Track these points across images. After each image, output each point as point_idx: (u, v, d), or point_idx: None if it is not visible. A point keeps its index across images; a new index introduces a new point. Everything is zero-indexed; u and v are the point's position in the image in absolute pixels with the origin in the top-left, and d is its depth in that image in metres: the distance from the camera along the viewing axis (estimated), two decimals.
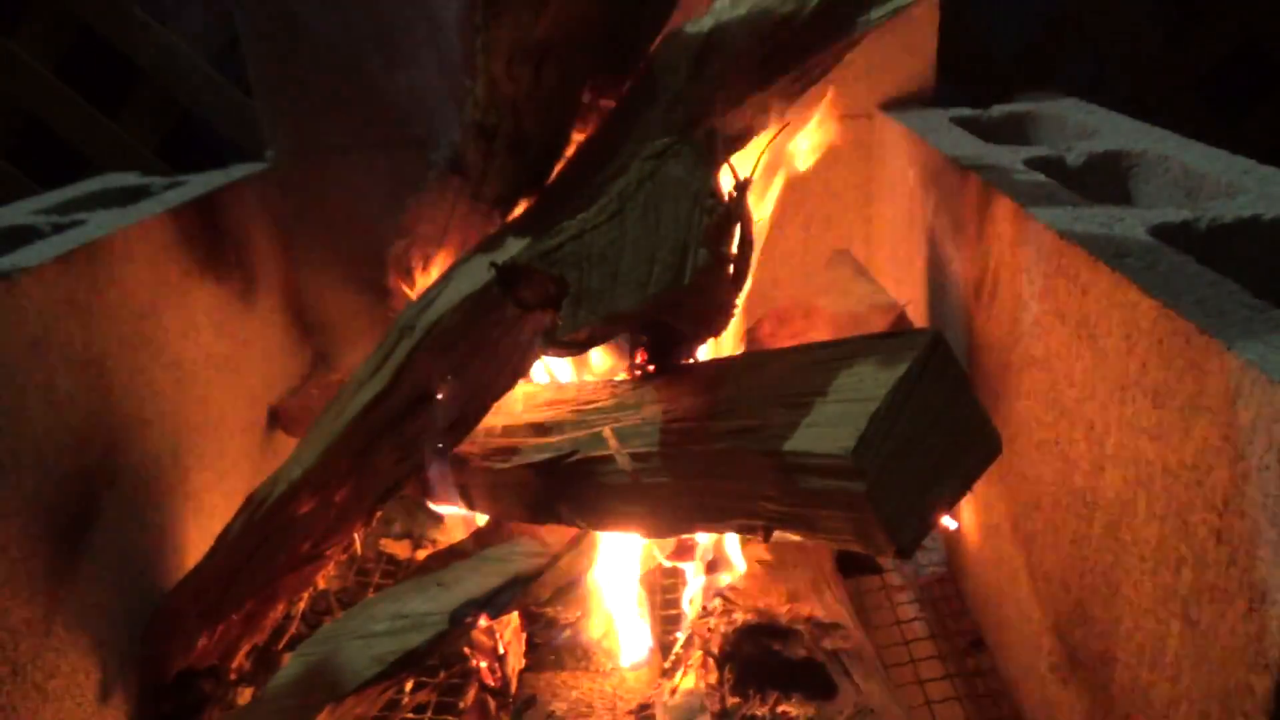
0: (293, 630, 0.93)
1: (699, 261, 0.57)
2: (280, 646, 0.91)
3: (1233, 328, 0.46)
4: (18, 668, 0.65)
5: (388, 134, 1.23)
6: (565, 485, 0.75)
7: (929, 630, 0.92)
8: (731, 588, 0.81)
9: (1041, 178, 0.79)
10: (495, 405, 0.82)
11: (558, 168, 0.84)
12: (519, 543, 0.83)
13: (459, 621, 0.74)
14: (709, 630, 0.77)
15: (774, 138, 0.79)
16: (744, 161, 0.79)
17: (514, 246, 0.77)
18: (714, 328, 0.68)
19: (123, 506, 0.81)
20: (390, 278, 1.00)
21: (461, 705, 0.81)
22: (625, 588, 0.91)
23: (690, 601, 0.89)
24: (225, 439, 1.03)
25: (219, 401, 1.02)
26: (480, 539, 0.89)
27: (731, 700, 0.70)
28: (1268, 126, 1.60)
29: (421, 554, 1.07)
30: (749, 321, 0.98)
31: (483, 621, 0.76)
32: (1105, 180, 0.86)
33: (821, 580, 0.82)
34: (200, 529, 0.93)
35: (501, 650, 0.83)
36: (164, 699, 0.82)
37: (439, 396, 0.78)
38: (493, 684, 0.81)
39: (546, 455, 0.74)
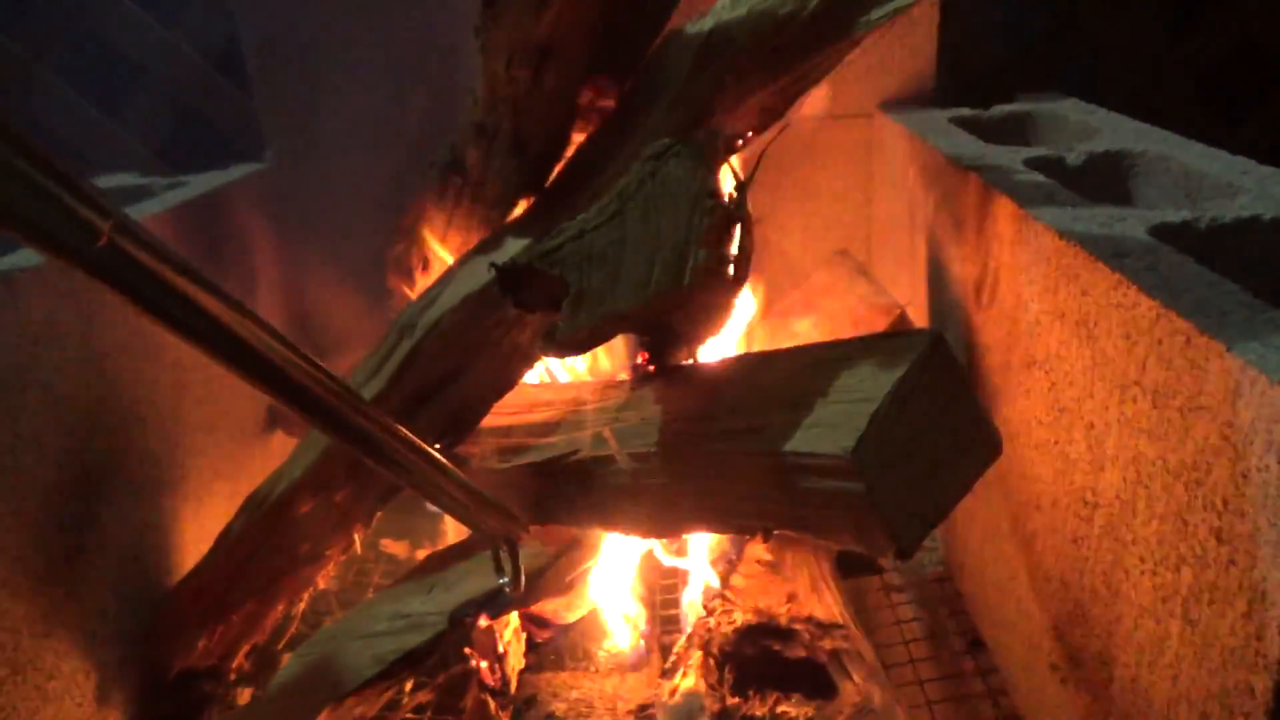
0: (293, 630, 0.93)
1: (699, 262, 0.57)
2: (280, 646, 0.91)
3: (1233, 328, 0.47)
4: (18, 668, 0.65)
5: (387, 134, 1.23)
6: (565, 485, 0.75)
7: (929, 630, 0.92)
8: (731, 587, 0.81)
9: (1041, 178, 0.79)
10: (495, 405, 0.82)
11: (558, 168, 0.84)
12: (526, 543, 0.83)
13: (459, 621, 0.74)
14: (709, 630, 0.77)
15: (774, 138, 0.79)
16: (744, 162, 0.79)
17: (514, 246, 0.77)
18: (714, 328, 0.68)
19: (123, 507, 0.81)
20: (390, 278, 1.00)
21: (461, 705, 0.81)
22: (625, 588, 0.91)
23: (690, 601, 0.89)
24: (225, 439, 1.03)
25: (219, 401, 1.02)
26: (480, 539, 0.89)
27: (731, 700, 0.70)
28: (1268, 126, 1.60)
29: (421, 554, 1.07)
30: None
31: (483, 621, 0.76)
32: (1105, 180, 0.86)
33: (821, 580, 0.82)
34: (200, 529, 0.93)
35: (501, 650, 0.83)
36: (164, 699, 0.82)
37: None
38: (493, 684, 0.81)
39: (546, 455, 0.74)
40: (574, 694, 0.85)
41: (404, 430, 0.56)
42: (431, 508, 0.92)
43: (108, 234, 0.37)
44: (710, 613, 0.79)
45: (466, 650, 0.80)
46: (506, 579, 0.71)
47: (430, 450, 0.58)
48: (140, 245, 0.39)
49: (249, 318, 0.44)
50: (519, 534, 0.70)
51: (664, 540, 0.90)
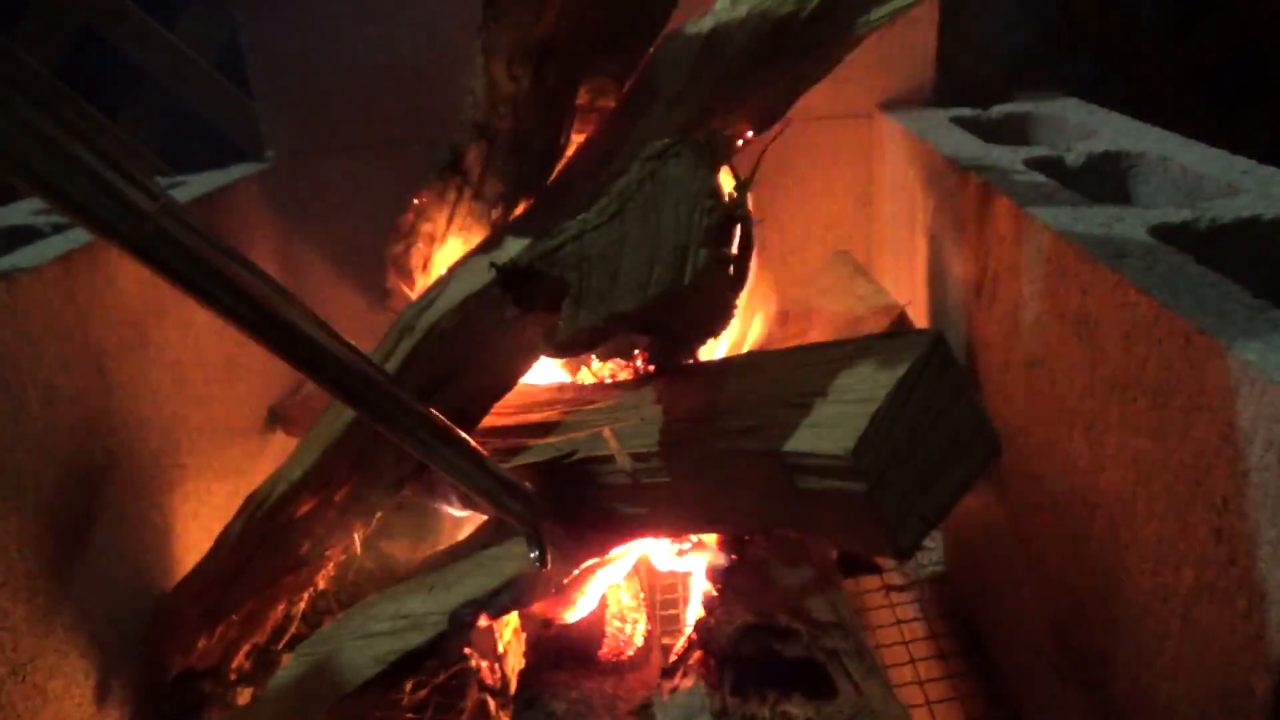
0: (293, 630, 0.92)
1: (699, 262, 0.57)
2: (280, 646, 0.91)
3: (1233, 328, 0.47)
4: (18, 668, 0.65)
5: (386, 134, 1.23)
6: (565, 485, 0.75)
7: (929, 630, 0.92)
8: (731, 588, 0.81)
9: (1041, 178, 0.79)
10: (495, 405, 0.82)
11: (558, 168, 0.84)
12: (519, 542, 0.83)
13: (459, 621, 0.74)
14: (709, 630, 0.77)
15: (774, 138, 0.79)
16: (744, 162, 0.79)
17: (514, 246, 0.77)
18: (714, 328, 0.68)
19: (123, 507, 0.81)
20: (390, 278, 1.00)
21: (461, 705, 0.81)
22: (625, 587, 0.91)
23: (690, 601, 0.89)
24: (225, 439, 1.03)
25: (219, 401, 1.02)
26: (480, 539, 0.89)
27: (731, 700, 0.70)
28: (1268, 126, 1.61)
29: (421, 554, 1.07)
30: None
31: (483, 621, 0.76)
32: (1105, 180, 0.86)
33: (821, 580, 0.82)
34: (200, 529, 0.93)
35: (501, 650, 0.83)
36: (164, 699, 0.82)
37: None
38: (493, 684, 0.81)
39: (546, 455, 0.74)
40: (574, 694, 0.85)
41: (434, 413, 0.56)
42: (433, 507, 0.93)
43: (155, 216, 0.39)
44: (710, 613, 0.79)
45: (466, 650, 0.80)
46: (536, 554, 0.71)
47: (459, 432, 0.59)
48: (186, 228, 0.40)
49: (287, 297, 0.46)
50: (542, 519, 0.70)
51: (665, 540, 0.90)
